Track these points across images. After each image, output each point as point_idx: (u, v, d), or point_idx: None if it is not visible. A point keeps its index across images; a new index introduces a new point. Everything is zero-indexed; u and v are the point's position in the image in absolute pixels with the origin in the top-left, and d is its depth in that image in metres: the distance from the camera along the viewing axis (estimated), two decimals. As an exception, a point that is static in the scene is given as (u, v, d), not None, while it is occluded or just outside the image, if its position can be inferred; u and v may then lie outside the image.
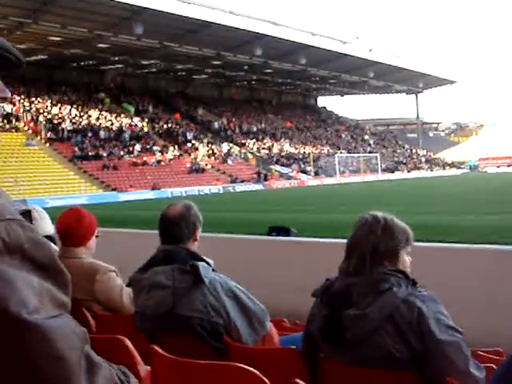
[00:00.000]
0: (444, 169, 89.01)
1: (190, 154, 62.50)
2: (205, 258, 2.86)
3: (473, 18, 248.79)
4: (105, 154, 54.46)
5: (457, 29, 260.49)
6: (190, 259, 2.77)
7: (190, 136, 67.62)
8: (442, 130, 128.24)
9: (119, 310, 3.69)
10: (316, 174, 69.34)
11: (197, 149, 64.64)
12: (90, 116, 61.74)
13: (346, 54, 73.35)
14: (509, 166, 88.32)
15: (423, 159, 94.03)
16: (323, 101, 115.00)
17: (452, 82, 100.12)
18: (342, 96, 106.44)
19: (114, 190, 48.10)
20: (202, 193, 50.20)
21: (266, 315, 2.91)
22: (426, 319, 2.20)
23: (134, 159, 55.63)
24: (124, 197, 45.31)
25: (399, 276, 2.31)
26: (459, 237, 13.76)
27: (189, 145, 65.13)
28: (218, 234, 11.16)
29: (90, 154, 53.66)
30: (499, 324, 6.61)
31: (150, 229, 15.49)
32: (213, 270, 2.82)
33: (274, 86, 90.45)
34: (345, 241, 6.95)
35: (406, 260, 2.43)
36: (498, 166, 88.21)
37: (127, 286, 3.22)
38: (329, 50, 70.86)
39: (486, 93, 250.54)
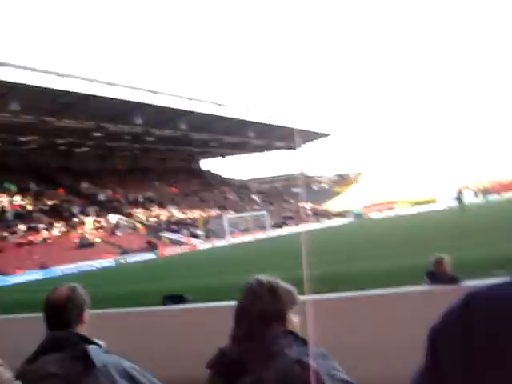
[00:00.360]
0: (330, 219, 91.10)
1: (77, 229, 61.02)
2: (95, 340, 2.80)
3: (339, 71, 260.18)
4: (-14, 237, 52.25)
5: (326, 81, 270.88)
6: (79, 343, 2.71)
7: (75, 210, 66.24)
8: (325, 182, 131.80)
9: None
10: (207, 237, 69.33)
11: (83, 223, 63.28)
12: (-32, 199, 59.46)
13: (224, 117, 74.71)
14: (390, 209, 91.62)
15: (310, 212, 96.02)
16: (207, 164, 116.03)
17: (326, 135, 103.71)
18: (224, 157, 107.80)
19: (0, 273, 45.94)
20: (93, 268, 48.92)
21: (163, 392, 2.87)
22: (320, 377, 2.23)
23: (18, 239, 53.65)
24: (13, 279, 43.38)
25: (289, 337, 2.35)
26: (347, 285, 14.10)
27: (75, 220, 63.68)
28: (110, 310, 10.91)
29: (-30, 238, 51.44)
30: (395, 367, 6.77)
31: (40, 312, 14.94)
32: (106, 351, 2.76)
33: (157, 153, 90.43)
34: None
35: (293, 320, 2.48)
36: (381, 211, 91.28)
37: (16, 379, 3.08)
38: (207, 114, 71.97)
39: (363, 141, 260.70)
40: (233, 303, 7.57)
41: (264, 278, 2.51)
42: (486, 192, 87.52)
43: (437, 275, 7.51)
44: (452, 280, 7.09)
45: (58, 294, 2.89)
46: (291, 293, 2.50)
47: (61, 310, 2.84)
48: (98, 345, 2.76)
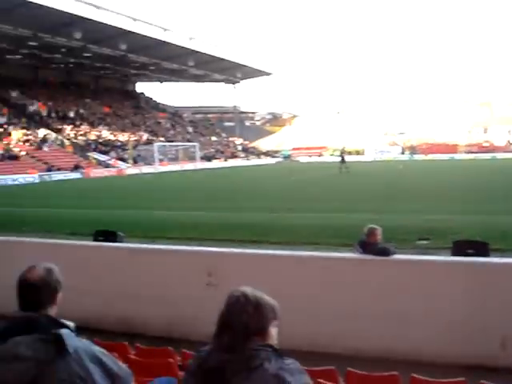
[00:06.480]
0: (259, 157, 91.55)
1: (2, 140, 59.16)
2: (65, 322, 2.80)
3: (290, 13, 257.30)
4: None
5: (275, 22, 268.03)
6: (52, 327, 2.70)
7: (2, 120, 64.14)
8: (258, 120, 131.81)
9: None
10: (135, 161, 68.58)
11: (10, 134, 61.42)
12: None
13: (166, 42, 73.23)
14: (319, 156, 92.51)
15: (240, 148, 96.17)
16: (142, 86, 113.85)
17: (268, 74, 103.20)
18: (161, 83, 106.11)
19: None
20: (16, 182, 47.96)
21: (131, 377, 2.92)
22: None
23: None
24: None
25: (268, 350, 2.43)
26: (279, 237, 14.32)
27: (1, 130, 61.69)
28: (42, 240, 10.83)
29: None
30: (313, 327, 7.05)
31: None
32: (76, 334, 2.77)
33: (93, 70, 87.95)
34: (173, 247, 7.11)
35: (273, 334, 2.56)
36: (310, 156, 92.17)
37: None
38: (149, 37, 70.32)
39: (300, 85, 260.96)
40: (163, 247, 7.67)
41: (249, 291, 2.56)
42: (412, 150, 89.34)
43: (368, 245, 7.70)
44: (383, 251, 7.30)
45: (33, 275, 2.85)
46: (274, 308, 2.57)
47: (34, 291, 2.81)
48: (69, 328, 2.76)
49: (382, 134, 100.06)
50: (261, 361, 2.38)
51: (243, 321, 2.47)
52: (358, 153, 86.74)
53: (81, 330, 2.86)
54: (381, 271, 7.11)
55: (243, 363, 2.39)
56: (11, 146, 58.35)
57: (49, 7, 54.88)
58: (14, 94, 73.62)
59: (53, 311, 2.88)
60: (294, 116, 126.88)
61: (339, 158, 50.79)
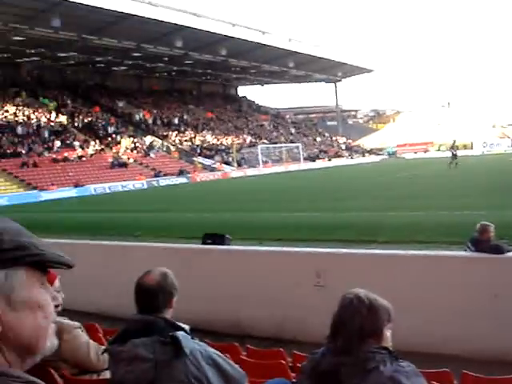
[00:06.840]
0: (364, 156, 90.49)
1: (111, 148, 61.35)
2: (181, 324, 2.87)
3: (389, 8, 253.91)
4: (23, 151, 52.80)
5: (373, 18, 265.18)
6: (168, 329, 2.77)
7: (110, 129, 66.41)
8: (361, 118, 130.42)
9: (87, 366, 3.66)
10: (239, 164, 69.29)
11: (118, 142, 63.54)
12: (6, 111, 59.72)
13: (265, 45, 73.69)
14: (425, 152, 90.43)
15: (343, 146, 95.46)
16: (243, 90, 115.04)
17: (370, 71, 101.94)
18: (262, 85, 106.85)
19: (34, 188, 46.45)
20: (125, 188, 49.55)
21: (245, 378, 2.96)
22: None
23: (54, 155, 54.13)
24: (46, 195, 43.90)
25: (383, 352, 2.40)
26: (387, 236, 14.11)
27: (110, 138, 63.96)
28: (153, 244, 11.13)
29: (7, 151, 51.92)
30: (432, 327, 6.89)
31: (75, 235, 15.30)
32: (192, 337, 2.83)
33: (195, 76, 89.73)
34: (281, 249, 7.20)
35: (388, 336, 2.52)
36: (416, 152, 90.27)
37: (104, 352, 3.17)
38: (249, 41, 70.98)
39: (402, 80, 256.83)
40: (273, 249, 7.69)
41: (362, 292, 2.54)
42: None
43: (480, 243, 7.47)
44: (495, 248, 7.04)
45: (150, 280, 2.95)
46: (388, 310, 2.54)
47: (151, 295, 2.91)
48: (185, 330, 2.83)
49: (491, 126, 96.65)
50: (376, 363, 2.36)
51: (357, 323, 2.44)
52: (465, 147, 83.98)
53: (192, 331, 2.92)
54: (495, 269, 6.87)
55: (358, 366, 2.38)
56: (120, 153, 60.27)
57: (150, 19, 56.42)
58: (120, 103, 76.06)
59: (169, 314, 2.97)
60: (398, 112, 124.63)
61: (449, 153, 49.53)
